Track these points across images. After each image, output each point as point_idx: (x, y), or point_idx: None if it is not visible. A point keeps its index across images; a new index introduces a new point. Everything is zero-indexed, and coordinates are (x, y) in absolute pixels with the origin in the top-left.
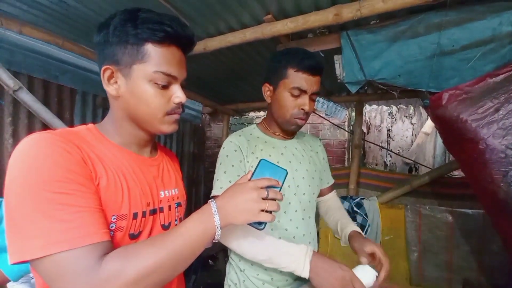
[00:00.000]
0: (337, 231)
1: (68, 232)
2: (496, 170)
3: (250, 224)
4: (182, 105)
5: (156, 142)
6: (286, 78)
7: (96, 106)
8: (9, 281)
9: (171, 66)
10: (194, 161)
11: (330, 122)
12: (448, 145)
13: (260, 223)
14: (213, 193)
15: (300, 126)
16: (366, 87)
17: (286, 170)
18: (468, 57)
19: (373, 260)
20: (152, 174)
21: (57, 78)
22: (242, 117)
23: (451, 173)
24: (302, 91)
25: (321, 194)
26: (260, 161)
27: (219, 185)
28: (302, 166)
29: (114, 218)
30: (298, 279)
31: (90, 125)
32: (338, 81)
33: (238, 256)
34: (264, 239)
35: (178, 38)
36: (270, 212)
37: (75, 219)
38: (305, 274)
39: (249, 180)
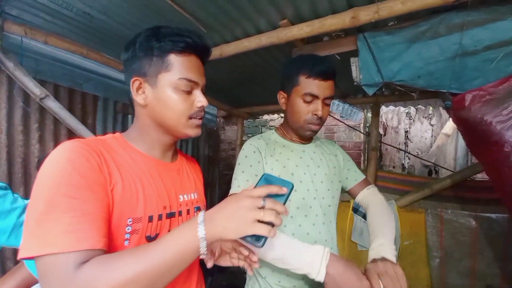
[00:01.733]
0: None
1: (63, 236)
2: None
3: (245, 240)
4: (203, 110)
5: (177, 148)
6: (298, 85)
7: (116, 112)
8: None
9: (192, 73)
10: (209, 164)
11: (345, 124)
12: (472, 147)
13: (257, 238)
14: (231, 191)
15: (314, 132)
16: (383, 89)
17: (292, 183)
18: (491, 57)
19: None
20: (171, 178)
21: (81, 86)
22: (256, 120)
23: (474, 176)
24: (314, 97)
25: (355, 193)
26: (263, 175)
27: (237, 183)
28: (321, 170)
29: (130, 221)
30: (321, 285)
31: (117, 134)
32: (355, 83)
33: (259, 262)
34: (278, 236)
35: (196, 47)
36: (272, 225)
37: (73, 223)
38: (320, 278)
39: None
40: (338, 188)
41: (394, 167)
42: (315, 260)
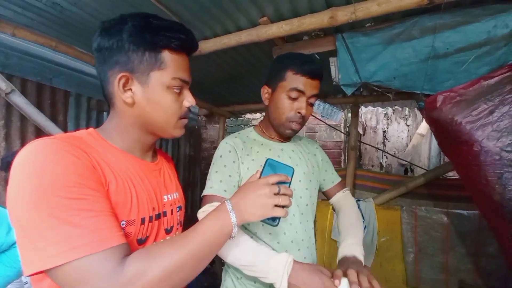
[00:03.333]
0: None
1: (87, 237)
2: (491, 172)
3: (264, 222)
4: (190, 109)
5: (155, 147)
6: (284, 80)
7: (90, 109)
8: None
9: (185, 72)
10: (190, 163)
11: (326, 124)
12: (443, 147)
13: (273, 219)
14: (204, 192)
15: (295, 131)
16: (361, 89)
17: (292, 168)
18: (463, 59)
19: None
20: (155, 178)
21: (51, 81)
22: (239, 119)
23: (446, 174)
24: (300, 93)
25: (330, 194)
26: (266, 160)
27: (210, 184)
28: (299, 168)
29: (123, 224)
30: None
31: (91, 130)
32: (334, 83)
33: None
34: (245, 245)
35: (189, 45)
36: (283, 207)
37: (92, 223)
38: (283, 287)
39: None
40: (316, 187)
41: (372, 166)
42: (277, 270)
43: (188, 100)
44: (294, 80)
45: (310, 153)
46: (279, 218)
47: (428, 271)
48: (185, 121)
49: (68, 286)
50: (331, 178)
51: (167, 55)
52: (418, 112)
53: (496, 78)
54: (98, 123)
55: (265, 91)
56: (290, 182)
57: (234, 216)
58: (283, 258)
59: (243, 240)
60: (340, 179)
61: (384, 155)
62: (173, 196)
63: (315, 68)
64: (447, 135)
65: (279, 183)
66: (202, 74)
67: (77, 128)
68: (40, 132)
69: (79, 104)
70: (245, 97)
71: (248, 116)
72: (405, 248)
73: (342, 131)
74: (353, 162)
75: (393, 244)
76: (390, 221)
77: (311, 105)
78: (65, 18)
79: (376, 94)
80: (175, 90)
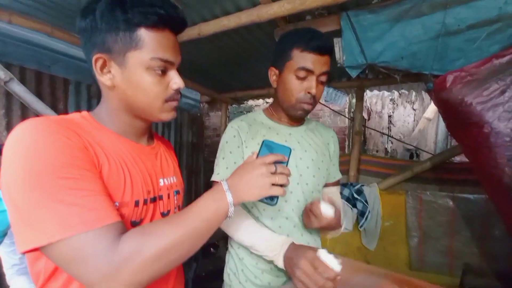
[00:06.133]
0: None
1: (82, 215)
2: (501, 154)
3: (262, 201)
4: (179, 92)
5: (152, 131)
6: (291, 59)
7: (90, 96)
8: None
9: (167, 51)
10: (193, 150)
11: (330, 109)
12: (452, 129)
13: (272, 198)
14: (212, 178)
15: (306, 112)
16: (367, 72)
17: (289, 148)
18: (474, 37)
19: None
20: (151, 162)
21: (49, 68)
22: (241, 105)
23: (452, 158)
24: (309, 72)
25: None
26: (263, 141)
27: (217, 171)
28: (308, 155)
29: (117, 205)
30: None
31: (84, 113)
32: (338, 65)
33: (237, 244)
34: (250, 226)
35: (171, 20)
36: (281, 186)
37: (86, 202)
38: (280, 265)
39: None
40: (325, 176)
41: (377, 151)
42: (276, 249)
43: (176, 81)
44: (302, 59)
45: (323, 140)
46: (278, 198)
47: (432, 254)
48: (173, 103)
49: (63, 264)
50: (334, 174)
51: (143, 33)
52: (425, 96)
53: (507, 57)
54: None
55: (272, 73)
56: (288, 162)
57: (230, 196)
58: (281, 239)
59: (249, 223)
60: (341, 176)
61: (389, 140)
62: (170, 180)
63: (323, 43)
64: (456, 117)
65: (277, 163)
66: (203, 59)
67: None
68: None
69: (79, 92)
70: (248, 82)
71: (250, 102)
72: (409, 232)
73: (346, 116)
74: (357, 147)
75: (397, 228)
76: (395, 205)
77: (322, 83)
78: (60, 2)
79: (382, 77)
80: (156, 71)
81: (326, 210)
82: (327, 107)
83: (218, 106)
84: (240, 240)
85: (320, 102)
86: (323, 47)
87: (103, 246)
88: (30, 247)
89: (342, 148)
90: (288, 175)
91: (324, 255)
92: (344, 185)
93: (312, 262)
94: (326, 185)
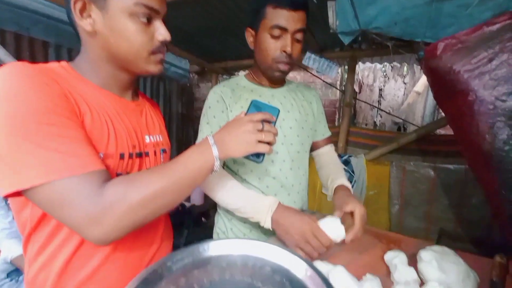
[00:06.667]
0: (326, 186)
1: (66, 161)
2: (483, 122)
3: (248, 158)
4: (166, 45)
5: (137, 87)
6: (265, 18)
7: (71, 61)
8: None
9: None
10: (183, 122)
11: (322, 81)
12: (439, 99)
13: (258, 156)
14: (196, 143)
15: (283, 73)
16: (360, 39)
17: (278, 108)
18: (467, 2)
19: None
20: (135, 118)
21: (28, 30)
22: (232, 76)
23: (437, 131)
24: (283, 30)
25: (316, 147)
26: (252, 101)
27: (201, 136)
28: (290, 115)
29: (101, 155)
30: None
31: (63, 63)
32: (331, 31)
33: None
34: (237, 189)
35: None
36: (268, 144)
37: (70, 149)
38: (267, 226)
39: None
40: (309, 136)
41: (366, 125)
42: (262, 211)
43: (161, 33)
44: (275, 16)
45: (306, 100)
46: (263, 155)
47: (411, 220)
48: (159, 56)
49: (49, 208)
50: (323, 131)
51: None
52: (416, 70)
53: (498, 25)
54: None
55: (249, 35)
56: (275, 122)
57: (216, 149)
58: (268, 200)
59: (233, 186)
60: (330, 133)
61: (379, 114)
62: (156, 138)
63: None
64: (444, 85)
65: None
66: (190, 25)
67: None
68: None
69: (60, 56)
70: (239, 51)
71: (241, 73)
72: (392, 200)
73: (338, 88)
74: (347, 119)
75: (380, 197)
76: (379, 175)
77: (298, 41)
78: None
79: (375, 47)
80: (141, 19)
81: (336, 234)
82: (319, 78)
83: (208, 77)
84: (226, 204)
85: (312, 74)
86: (296, 1)
87: (88, 191)
88: (12, 190)
89: (332, 121)
90: (275, 134)
91: (326, 224)
92: None
93: (313, 231)
94: (317, 144)
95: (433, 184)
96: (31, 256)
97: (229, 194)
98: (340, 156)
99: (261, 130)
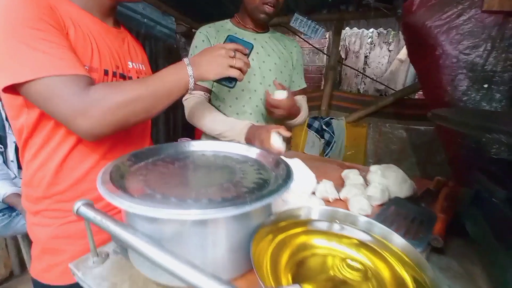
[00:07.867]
0: None
1: (54, 62)
2: (447, 75)
3: (220, 83)
4: None
5: (118, 19)
6: None
7: None
8: None
9: None
10: None
11: (310, 44)
12: (411, 56)
13: (230, 81)
14: None
15: (269, 15)
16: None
17: (251, 43)
18: None
19: None
20: (118, 43)
21: None
22: None
23: (413, 96)
24: None
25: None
26: (227, 36)
27: None
28: (271, 59)
29: (86, 68)
30: None
31: None
32: None
33: (208, 135)
34: (218, 117)
35: None
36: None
37: (57, 53)
38: (243, 141)
39: None
40: (287, 80)
41: (350, 92)
42: (239, 133)
43: None
44: None
45: (287, 49)
46: (235, 81)
47: None
48: None
49: (40, 102)
50: (299, 82)
51: None
52: (401, 37)
53: None
54: None
55: None
56: (248, 55)
57: (191, 69)
58: (243, 124)
59: (216, 115)
60: (305, 85)
61: (362, 81)
62: (139, 66)
63: None
64: (416, 41)
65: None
66: None
67: None
68: None
69: None
70: (229, 11)
71: None
72: (367, 159)
73: (325, 53)
74: (330, 82)
75: (357, 156)
76: (357, 136)
77: None
78: None
79: (362, 10)
80: None
81: (278, 94)
82: (308, 42)
83: None
84: (211, 130)
85: (301, 37)
86: None
87: (75, 88)
88: (7, 84)
89: (317, 87)
90: (247, 63)
91: (273, 137)
92: (315, 118)
93: (262, 141)
94: (292, 94)
95: (405, 143)
96: (28, 159)
97: (213, 122)
98: (322, 118)
99: (233, 57)
